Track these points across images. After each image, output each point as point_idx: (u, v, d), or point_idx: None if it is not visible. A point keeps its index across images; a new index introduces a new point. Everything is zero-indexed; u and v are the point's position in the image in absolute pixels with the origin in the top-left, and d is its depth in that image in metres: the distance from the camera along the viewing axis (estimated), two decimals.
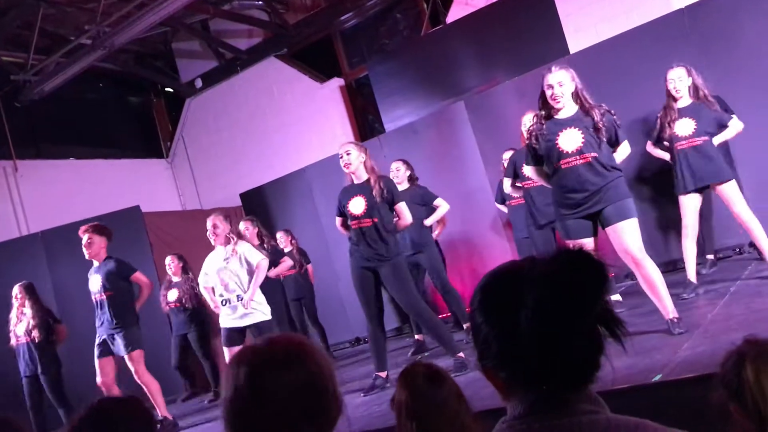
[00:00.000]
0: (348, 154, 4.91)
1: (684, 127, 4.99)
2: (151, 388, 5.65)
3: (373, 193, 4.82)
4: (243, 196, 9.95)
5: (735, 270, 5.46)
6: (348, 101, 10.25)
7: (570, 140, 3.96)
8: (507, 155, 6.27)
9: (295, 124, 10.34)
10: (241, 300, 5.25)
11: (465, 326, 6.09)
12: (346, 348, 8.63)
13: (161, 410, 5.69)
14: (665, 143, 5.21)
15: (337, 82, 10.32)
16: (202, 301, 6.41)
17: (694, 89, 5.01)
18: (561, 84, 3.98)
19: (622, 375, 2.81)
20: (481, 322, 1.07)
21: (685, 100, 5.02)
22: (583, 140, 3.93)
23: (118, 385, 5.72)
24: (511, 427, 1.07)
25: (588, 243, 3.99)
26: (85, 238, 5.67)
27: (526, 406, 1.06)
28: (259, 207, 9.58)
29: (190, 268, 7.37)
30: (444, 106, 8.49)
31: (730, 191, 4.90)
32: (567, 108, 4.02)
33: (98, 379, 5.66)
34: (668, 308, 3.91)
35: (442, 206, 6.33)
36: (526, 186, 5.69)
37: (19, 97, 9.54)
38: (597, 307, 1.03)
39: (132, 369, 5.60)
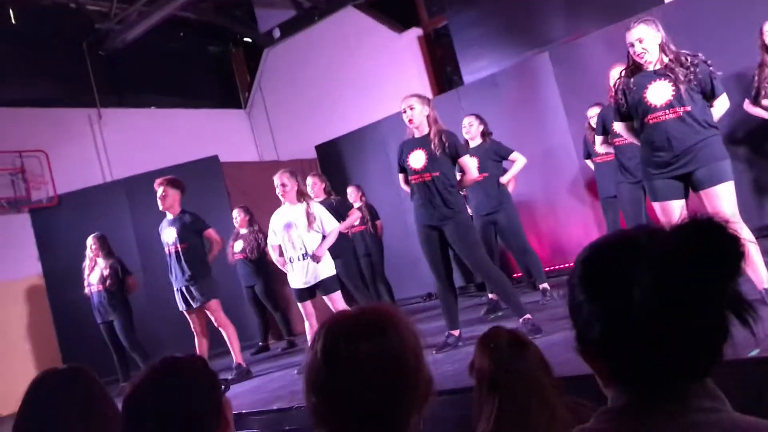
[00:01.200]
0: (411, 109, 4.75)
1: None
2: (230, 333, 5.77)
3: (433, 146, 4.67)
4: (318, 148, 9.94)
5: None
6: (426, 52, 10.02)
7: (659, 93, 3.69)
8: (592, 112, 5.98)
9: (372, 75, 10.18)
10: (308, 258, 5.19)
11: (541, 287, 5.94)
12: (417, 303, 8.61)
13: (237, 357, 5.82)
14: (765, 101, 4.85)
15: (415, 32, 10.08)
16: (267, 254, 6.42)
17: None
18: (641, 40, 3.71)
19: None
20: (584, 299, 0.94)
21: None
22: (674, 93, 3.65)
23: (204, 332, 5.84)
24: (615, 420, 0.94)
25: (677, 205, 3.77)
26: (160, 190, 5.75)
27: (635, 398, 0.93)
28: (334, 160, 9.56)
29: (256, 221, 7.42)
30: (527, 57, 8.18)
31: None
32: (655, 61, 3.75)
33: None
34: (762, 277, 3.65)
35: (519, 160, 6.08)
36: (617, 143, 5.42)
37: (103, 45, 9.74)
38: (728, 289, 0.88)
39: (211, 318, 5.72)
